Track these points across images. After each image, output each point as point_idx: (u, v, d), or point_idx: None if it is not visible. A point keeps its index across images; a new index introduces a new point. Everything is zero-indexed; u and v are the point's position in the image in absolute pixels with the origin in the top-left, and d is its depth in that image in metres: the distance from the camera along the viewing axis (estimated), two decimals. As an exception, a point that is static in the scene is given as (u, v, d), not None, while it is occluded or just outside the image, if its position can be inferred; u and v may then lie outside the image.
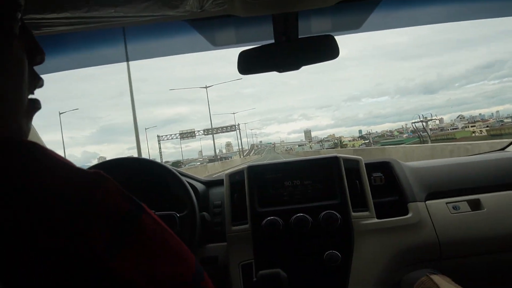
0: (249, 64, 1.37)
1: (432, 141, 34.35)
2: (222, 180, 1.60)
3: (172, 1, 1.10)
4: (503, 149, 1.90)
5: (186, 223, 1.40)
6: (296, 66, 1.35)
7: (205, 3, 1.12)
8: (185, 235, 1.39)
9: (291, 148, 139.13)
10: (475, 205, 1.47)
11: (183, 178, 1.49)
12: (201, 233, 1.45)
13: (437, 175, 1.58)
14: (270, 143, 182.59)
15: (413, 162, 1.70)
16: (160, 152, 60.00)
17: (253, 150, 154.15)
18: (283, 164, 1.58)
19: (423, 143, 29.77)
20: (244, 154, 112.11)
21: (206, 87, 52.64)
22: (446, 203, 1.47)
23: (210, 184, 1.71)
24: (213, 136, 58.94)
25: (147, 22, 1.23)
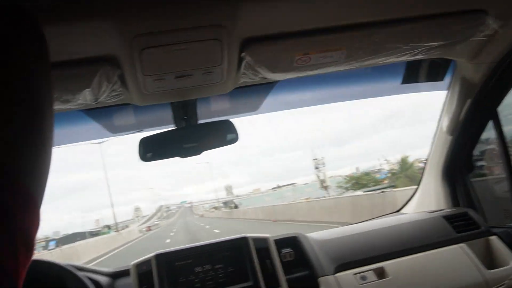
0: (150, 150, 1.34)
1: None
2: (129, 270, 1.48)
3: (64, 95, 1.06)
4: (398, 210, 2.06)
5: None
6: (197, 151, 1.34)
7: (100, 95, 1.09)
8: None
9: (215, 207, 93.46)
10: (380, 274, 1.51)
11: (82, 275, 1.36)
12: None
13: (343, 246, 1.62)
14: (185, 201, 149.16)
15: (319, 232, 1.74)
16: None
17: (157, 215, 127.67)
18: (192, 249, 1.52)
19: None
20: (144, 222, 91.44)
21: (99, 143, 45.95)
22: (354, 274, 1.49)
23: (116, 275, 1.56)
24: (112, 203, 55.19)
25: None
